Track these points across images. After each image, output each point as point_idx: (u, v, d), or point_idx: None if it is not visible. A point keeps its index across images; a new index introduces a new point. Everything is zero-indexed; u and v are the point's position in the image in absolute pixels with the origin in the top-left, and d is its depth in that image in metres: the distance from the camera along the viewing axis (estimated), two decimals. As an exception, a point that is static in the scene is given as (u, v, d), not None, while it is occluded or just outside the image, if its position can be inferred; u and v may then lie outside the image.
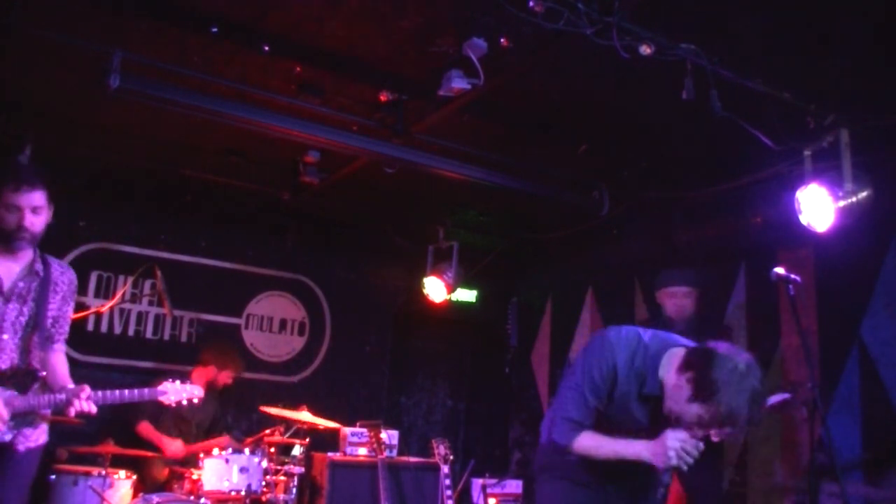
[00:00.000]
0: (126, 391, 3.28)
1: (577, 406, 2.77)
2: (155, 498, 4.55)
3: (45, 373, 3.20)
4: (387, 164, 4.89)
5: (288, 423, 5.51)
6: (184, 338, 6.45)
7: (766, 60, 3.70)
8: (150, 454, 5.18)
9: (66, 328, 3.36)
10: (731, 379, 2.42)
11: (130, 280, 6.01)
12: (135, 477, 4.85)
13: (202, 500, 4.71)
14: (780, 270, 3.36)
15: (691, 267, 4.70)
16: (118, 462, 4.80)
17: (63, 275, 3.32)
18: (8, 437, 3.06)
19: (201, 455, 4.94)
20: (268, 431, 5.41)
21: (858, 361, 4.78)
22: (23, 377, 3.11)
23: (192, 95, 4.04)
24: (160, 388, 3.56)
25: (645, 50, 3.32)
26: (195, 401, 3.66)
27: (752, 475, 5.29)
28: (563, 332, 7.16)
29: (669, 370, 2.63)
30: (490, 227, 6.78)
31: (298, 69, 4.11)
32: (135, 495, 4.74)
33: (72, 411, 3.08)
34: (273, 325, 6.93)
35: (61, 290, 3.28)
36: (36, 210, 3.11)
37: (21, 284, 3.14)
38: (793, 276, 3.30)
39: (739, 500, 5.33)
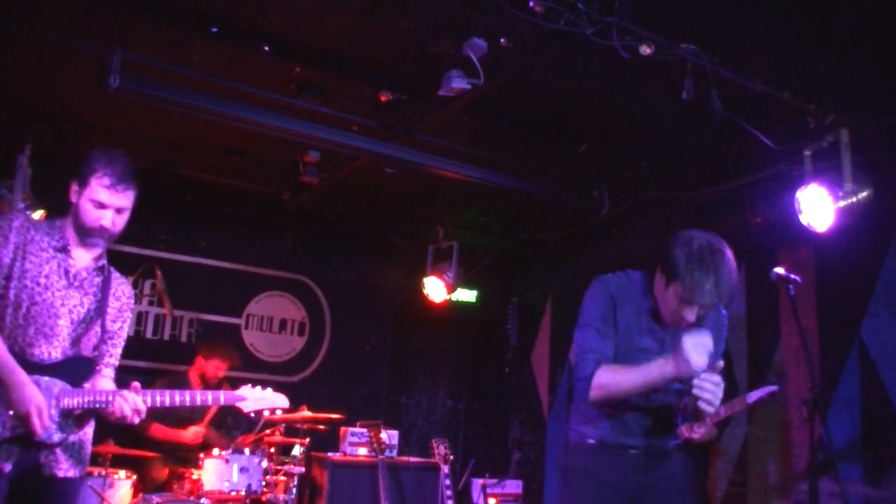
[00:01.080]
0: (200, 392, 2.92)
1: (589, 339, 2.81)
2: (155, 498, 4.55)
3: (100, 366, 2.85)
4: (387, 164, 4.89)
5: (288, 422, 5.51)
6: (184, 338, 6.45)
7: (766, 60, 3.70)
8: (150, 454, 5.19)
9: (119, 352, 2.96)
10: (690, 252, 2.62)
11: (130, 280, 5.99)
12: (135, 477, 4.84)
13: (202, 500, 4.71)
14: (780, 270, 3.36)
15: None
16: (118, 462, 4.80)
17: (123, 284, 3.01)
18: (56, 438, 2.65)
19: (201, 455, 4.94)
20: (268, 431, 5.41)
21: (858, 361, 4.78)
22: (76, 367, 2.75)
23: (192, 95, 4.04)
24: (239, 392, 3.06)
25: (645, 50, 3.32)
26: (279, 412, 3.21)
27: (752, 475, 5.29)
28: (563, 332, 7.15)
29: (655, 278, 2.81)
30: (490, 227, 6.78)
31: (298, 69, 4.11)
32: (135, 495, 4.74)
33: (117, 406, 2.69)
34: (273, 325, 6.93)
35: (120, 298, 2.95)
36: (122, 211, 2.82)
37: (85, 274, 2.83)
38: (793, 276, 3.30)
39: (739, 500, 5.33)
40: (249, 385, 3.12)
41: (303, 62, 4.05)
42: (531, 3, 3.19)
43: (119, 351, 2.96)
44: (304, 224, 6.95)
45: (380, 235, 7.00)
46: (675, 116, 4.31)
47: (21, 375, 2.58)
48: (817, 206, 4.11)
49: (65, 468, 2.71)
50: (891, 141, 4.24)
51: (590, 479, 2.86)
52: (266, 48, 3.89)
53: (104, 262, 2.93)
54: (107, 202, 2.77)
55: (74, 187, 2.81)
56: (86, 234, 2.80)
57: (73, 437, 2.73)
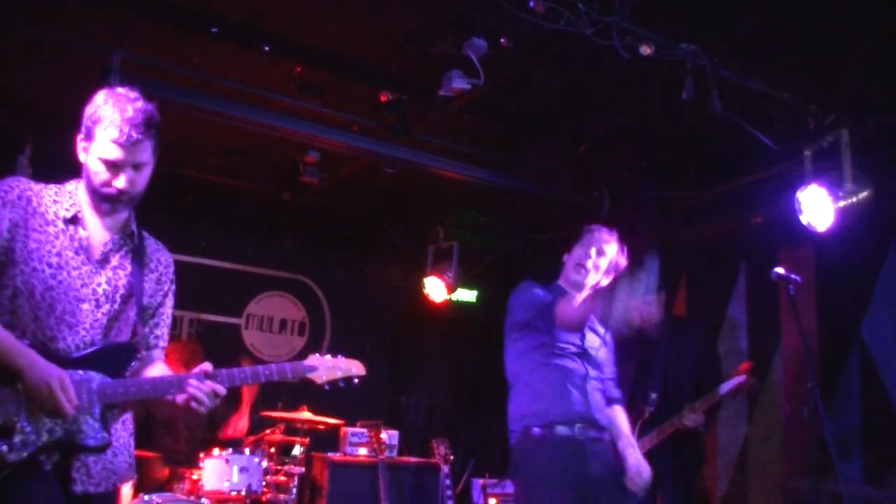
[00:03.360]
0: (262, 368, 2.43)
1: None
2: (155, 498, 4.54)
3: (144, 351, 2.41)
4: (387, 164, 4.89)
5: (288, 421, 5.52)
6: (184, 338, 6.45)
7: (766, 60, 3.70)
8: (150, 454, 5.18)
9: (166, 332, 2.53)
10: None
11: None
12: (135, 477, 4.83)
13: (202, 500, 4.70)
14: (780, 270, 3.36)
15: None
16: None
17: (159, 252, 2.53)
18: (101, 440, 2.20)
19: (201, 455, 4.94)
20: (268, 431, 5.41)
21: (858, 361, 4.78)
22: (111, 356, 2.29)
23: (192, 95, 4.05)
24: (307, 362, 2.60)
25: (645, 50, 3.32)
26: (356, 381, 2.72)
27: (752, 475, 5.29)
28: (563, 332, 7.14)
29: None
30: (490, 227, 6.78)
31: (298, 69, 4.11)
32: (135, 495, 4.73)
33: (182, 397, 2.26)
34: (273, 325, 6.93)
35: (157, 269, 2.48)
36: (140, 167, 2.32)
37: (110, 246, 2.35)
38: (793, 275, 3.31)
39: (739, 500, 5.33)
40: (317, 354, 2.65)
41: (303, 62, 4.05)
42: (531, 3, 3.19)
43: (165, 331, 2.54)
44: (304, 224, 6.95)
45: (380, 235, 6.99)
46: (676, 116, 4.31)
47: (32, 355, 2.13)
48: (817, 206, 4.11)
49: (96, 482, 2.24)
50: (891, 141, 4.24)
51: (560, 487, 3.01)
52: (266, 48, 3.89)
53: (133, 228, 2.42)
54: (119, 159, 2.26)
55: (81, 142, 2.34)
56: (100, 200, 2.32)
57: (115, 420, 2.32)
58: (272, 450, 5.28)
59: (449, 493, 5.71)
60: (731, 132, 3.95)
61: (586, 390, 3.20)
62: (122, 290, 2.35)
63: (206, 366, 2.33)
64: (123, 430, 2.39)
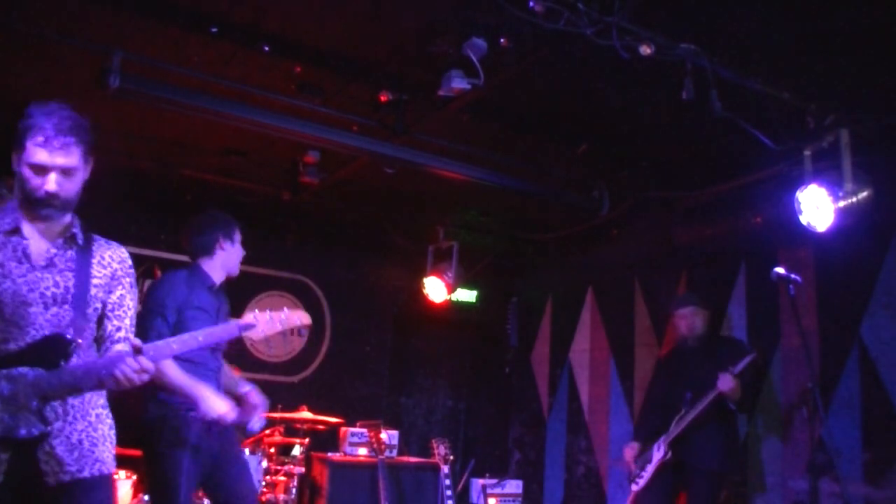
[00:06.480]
0: (192, 334, 2.56)
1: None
2: (155, 498, 4.53)
3: (80, 341, 2.45)
4: (387, 164, 4.89)
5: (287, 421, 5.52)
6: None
7: (766, 60, 3.70)
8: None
9: (127, 323, 2.58)
10: None
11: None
12: (135, 477, 4.84)
13: (203, 500, 4.71)
14: (780, 270, 3.37)
15: (694, 291, 5.26)
16: (118, 462, 4.78)
17: (110, 249, 2.61)
18: (36, 431, 2.29)
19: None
20: (268, 431, 5.41)
21: (858, 361, 4.78)
22: (50, 349, 2.39)
23: (192, 95, 4.05)
24: (243, 321, 2.68)
25: (645, 50, 3.32)
26: (302, 332, 2.87)
27: (752, 475, 5.29)
28: (563, 332, 7.15)
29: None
30: (490, 227, 6.78)
31: (298, 69, 4.11)
32: (135, 495, 4.74)
33: (119, 375, 2.33)
34: (273, 325, 6.91)
35: (109, 265, 2.56)
36: (69, 172, 2.40)
37: (54, 251, 2.46)
38: (793, 275, 3.31)
39: (740, 500, 5.33)
40: (256, 310, 2.77)
41: (303, 62, 4.05)
42: (531, 3, 3.19)
43: (126, 322, 2.58)
44: (304, 224, 6.95)
45: (380, 235, 6.99)
46: (676, 116, 4.31)
47: None
48: (817, 206, 4.12)
49: (73, 471, 2.38)
50: (891, 141, 4.24)
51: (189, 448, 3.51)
52: (266, 48, 3.89)
53: (76, 230, 2.52)
54: (46, 163, 2.37)
55: (14, 154, 2.45)
56: (33, 206, 2.41)
57: (69, 429, 2.41)
58: (272, 450, 5.28)
59: (449, 493, 5.71)
60: (731, 132, 3.95)
61: (218, 380, 3.80)
62: (72, 290, 2.45)
63: (135, 341, 2.38)
64: (99, 422, 2.54)
